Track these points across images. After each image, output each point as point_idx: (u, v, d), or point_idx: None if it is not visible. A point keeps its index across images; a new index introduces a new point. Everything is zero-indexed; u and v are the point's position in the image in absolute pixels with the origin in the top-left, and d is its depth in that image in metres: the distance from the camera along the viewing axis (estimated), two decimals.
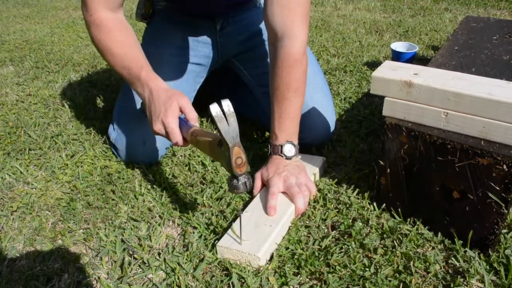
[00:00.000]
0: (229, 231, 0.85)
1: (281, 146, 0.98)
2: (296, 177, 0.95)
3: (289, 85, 0.96)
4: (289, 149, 0.98)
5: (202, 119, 1.36)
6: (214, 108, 0.70)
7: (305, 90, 1.01)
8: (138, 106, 1.11)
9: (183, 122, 0.86)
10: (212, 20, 1.20)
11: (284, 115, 0.98)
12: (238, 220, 0.83)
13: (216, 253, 0.83)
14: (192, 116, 0.86)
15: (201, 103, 1.11)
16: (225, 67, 1.32)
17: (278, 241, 0.85)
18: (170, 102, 0.86)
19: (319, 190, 0.99)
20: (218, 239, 0.85)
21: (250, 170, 0.71)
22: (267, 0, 0.96)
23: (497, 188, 0.72)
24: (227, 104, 0.72)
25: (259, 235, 0.83)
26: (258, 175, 0.99)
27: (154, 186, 1.06)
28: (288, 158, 0.98)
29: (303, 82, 0.99)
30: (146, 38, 1.27)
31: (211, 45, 1.22)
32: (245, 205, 0.96)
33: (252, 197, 0.97)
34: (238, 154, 0.73)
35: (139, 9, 1.27)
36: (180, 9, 1.20)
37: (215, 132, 0.73)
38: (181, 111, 0.87)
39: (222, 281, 0.77)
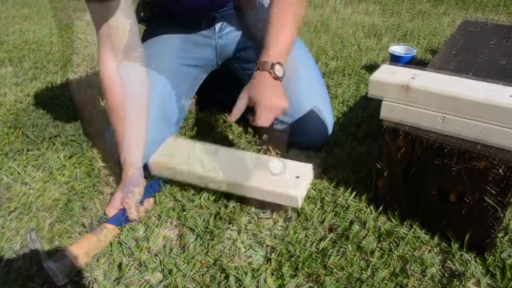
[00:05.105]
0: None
1: (272, 64, 0.95)
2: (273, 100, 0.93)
3: (287, 16, 0.98)
4: (278, 69, 0.96)
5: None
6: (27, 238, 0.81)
7: (301, 27, 1.02)
8: None
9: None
10: (210, 22, 1.20)
11: (280, 34, 0.97)
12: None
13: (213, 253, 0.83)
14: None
15: (200, 103, 1.12)
16: (224, 69, 1.32)
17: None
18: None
19: (317, 190, 0.99)
20: (212, 239, 0.86)
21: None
22: None
23: (493, 191, 0.72)
24: (31, 236, 0.81)
25: None
26: (243, 95, 0.96)
27: None
28: (277, 78, 0.95)
29: (301, 18, 1.01)
30: (145, 41, 1.27)
31: (209, 47, 1.22)
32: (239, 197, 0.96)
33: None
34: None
35: (138, 11, 1.27)
36: (175, 16, 1.20)
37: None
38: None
39: (219, 282, 0.77)
